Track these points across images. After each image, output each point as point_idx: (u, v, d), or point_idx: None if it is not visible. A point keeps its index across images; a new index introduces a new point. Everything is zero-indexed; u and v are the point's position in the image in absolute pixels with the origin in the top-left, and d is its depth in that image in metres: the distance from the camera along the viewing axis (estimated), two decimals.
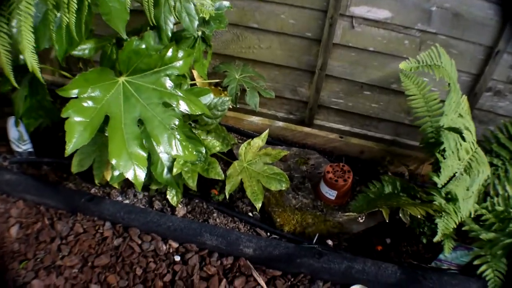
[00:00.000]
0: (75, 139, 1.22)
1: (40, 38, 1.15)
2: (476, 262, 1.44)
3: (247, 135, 2.20)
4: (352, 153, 2.14)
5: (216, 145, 1.67)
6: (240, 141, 2.16)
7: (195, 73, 1.83)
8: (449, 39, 1.76)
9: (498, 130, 1.69)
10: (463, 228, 1.47)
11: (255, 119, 2.18)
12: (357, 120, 2.10)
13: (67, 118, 1.20)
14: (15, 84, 1.18)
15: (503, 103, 1.89)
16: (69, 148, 1.21)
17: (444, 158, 1.43)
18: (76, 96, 1.26)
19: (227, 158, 1.87)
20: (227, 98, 1.69)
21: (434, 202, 1.42)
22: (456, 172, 1.41)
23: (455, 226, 1.41)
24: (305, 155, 2.03)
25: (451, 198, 1.44)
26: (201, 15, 1.41)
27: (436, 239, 1.37)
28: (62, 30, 1.12)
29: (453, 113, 1.41)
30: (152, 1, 1.18)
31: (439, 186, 1.44)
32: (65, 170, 1.90)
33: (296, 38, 1.89)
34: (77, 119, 1.24)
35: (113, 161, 1.25)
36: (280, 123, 2.18)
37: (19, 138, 1.86)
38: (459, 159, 1.38)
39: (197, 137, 1.58)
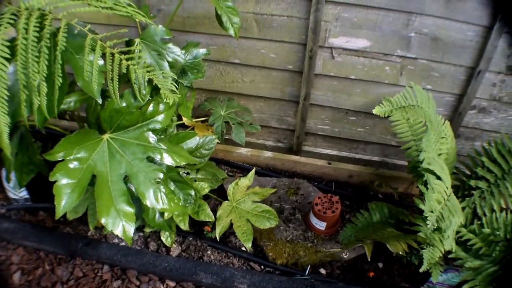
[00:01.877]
0: (64, 201, 1.29)
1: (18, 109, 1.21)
2: (464, 287, 1.48)
3: (237, 166, 2.26)
4: (341, 178, 2.19)
5: (205, 187, 1.72)
6: (231, 173, 2.22)
7: None
8: (430, 62, 1.80)
9: (482, 152, 1.72)
10: (449, 256, 1.51)
11: (243, 150, 2.23)
12: (344, 144, 2.14)
13: None
14: (8, 153, 1.23)
15: (488, 119, 1.93)
16: (59, 211, 1.28)
17: (427, 189, 1.47)
18: (62, 159, 1.32)
19: (217, 195, 1.92)
20: (214, 137, 1.74)
21: (419, 234, 1.46)
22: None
23: (441, 255, 1.45)
24: (295, 185, 2.08)
25: (437, 227, 1.48)
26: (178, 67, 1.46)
27: (422, 269, 1.41)
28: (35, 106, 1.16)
29: (432, 151, 1.45)
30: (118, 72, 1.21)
31: (424, 214, 1.48)
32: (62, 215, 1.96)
33: (278, 71, 1.93)
34: (64, 181, 1.30)
35: (102, 220, 1.31)
36: (269, 153, 2.23)
37: (15, 186, 1.93)
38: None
39: (185, 180, 1.63)
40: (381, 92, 1.90)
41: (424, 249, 1.45)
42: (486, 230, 1.55)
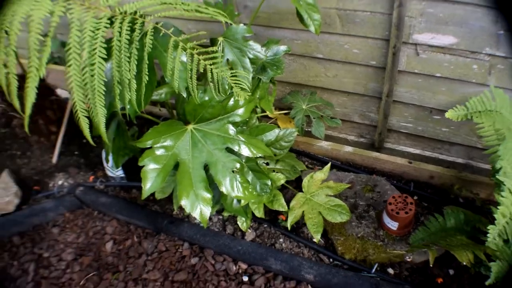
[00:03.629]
0: (149, 184, 1.58)
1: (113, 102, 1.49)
2: None
3: (317, 159, 2.44)
4: (421, 178, 2.26)
5: (280, 178, 1.92)
6: (310, 165, 2.39)
7: None
8: None
9: None
10: None
11: (324, 144, 2.39)
12: (427, 143, 2.20)
13: None
14: (105, 139, 1.52)
15: None
16: (145, 193, 1.57)
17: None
18: (150, 146, 1.59)
19: (295, 187, 2.11)
20: (294, 130, 1.92)
21: (488, 245, 1.52)
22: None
23: None
24: (372, 182, 2.20)
25: (508, 240, 1.52)
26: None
27: (488, 282, 1.48)
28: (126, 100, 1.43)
29: (508, 161, 1.49)
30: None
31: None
32: (151, 193, 2.29)
33: (361, 66, 2.05)
34: (151, 166, 1.58)
35: (182, 202, 1.57)
36: (349, 148, 2.37)
37: (112, 166, 2.29)
38: None
39: (263, 170, 1.84)
40: (467, 91, 1.93)
41: (493, 261, 1.50)
42: None
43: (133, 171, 2.36)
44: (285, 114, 2.19)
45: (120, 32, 1.34)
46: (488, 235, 1.34)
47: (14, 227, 2.29)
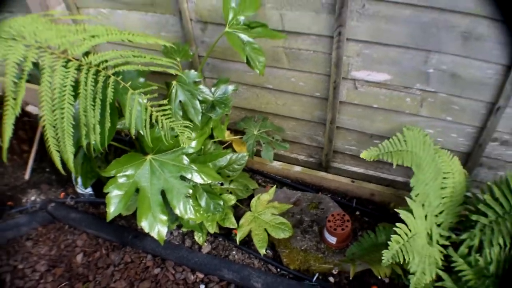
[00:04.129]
0: (113, 208, 1.86)
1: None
2: None
3: (270, 177, 2.76)
4: (363, 195, 2.58)
5: (231, 198, 2.22)
6: (264, 183, 2.70)
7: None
8: (449, 96, 2.08)
9: (484, 190, 2.00)
10: (435, 284, 1.85)
11: (276, 164, 2.70)
12: (370, 163, 2.51)
13: None
14: (72, 170, 1.79)
15: (510, 152, 2.18)
16: (109, 216, 1.85)
17: None
18: (113, 175, 1.87)
19: (247, 204, 2.40)
20: (245, 154, 2.21)
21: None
22: None
23: (430, 280, 1.80)
24: (317, 200, 2.51)
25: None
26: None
27: None
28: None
29: (424, 188, 1.81)
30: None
31: None
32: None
33: (307, 97, 2.35)
34: (115, 193, 1.87)
35: (142, 223, 1.86)
36: (298, 168, 2.68)
37: (82, 185, 2.56)
38: None
39: (215, 192, 2.13)
40: (402, 120, 2.24)
41: (412, 274, 1.81)
42: (481, 264, 1.86)
43: (101, 189, 2.62)
44: (239, 138, 2.48)
45: (86, 82, 1.61)
46: (382, 258, 1.63)
47: None
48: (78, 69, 1.63)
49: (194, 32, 2.32)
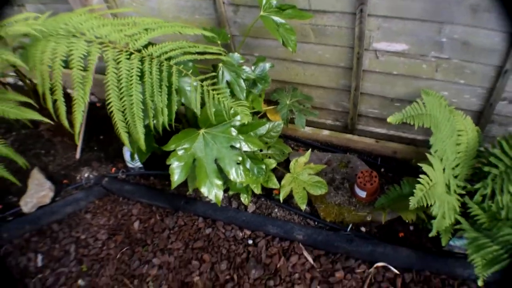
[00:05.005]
0: (176, 177, 2.28)
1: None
2: (468, 251, 2.22)
3: (301, 141, 3.21)
4: (387, 154, 3.01)
5: (272, 162, 2.65)
6: (296, 147, 3.14)
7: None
8: (462, 62, 2.45)
9: (495, 145, 2.40)
10: (455, 227, 2.28)
11: (306, 129, 3.13)
12: (392, 125, 2.90)
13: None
14: (143, 147, 2.20)
15: None
16: (174, 184, 2.28)
17: None
18: (173, 149, 2.29)
19: (284, 167, 2.84)
20: (280, 122, 2.63)
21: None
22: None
23: (450, 224, 2.22)
24: (346, 159, 2.95)
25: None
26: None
27: (431, 234, 2.18)
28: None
29: (441, 145, 2.22)
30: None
31: None
32: (167, 179, 3.01)
33: (332, 67, 2.74)
34: (176, 164, 2.29)
35: (202, 189, 2.29)
36: (326, 132, 3.12)
37: (132, 159, 3.00)
38: None
39: (258, 158, 2.56)
40: (419, 85, 2.63)
41: (434, 218, 2.24)
42: (494, 209, 2.27)
43: (149, 163, 3.06)
44: (273, 107, 2.89)
45: (150, 71, 2.01)
46: (409, 203, 2.05)
47: (52, 216, 3.01)
48: (141, 60, 2.04)
49: (227, 14, 2.70)
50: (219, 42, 2.44)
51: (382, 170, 2.96)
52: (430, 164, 2.16)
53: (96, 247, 2.85)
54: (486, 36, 2.29)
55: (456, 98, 2.61)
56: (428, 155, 2.22)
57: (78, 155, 3.22)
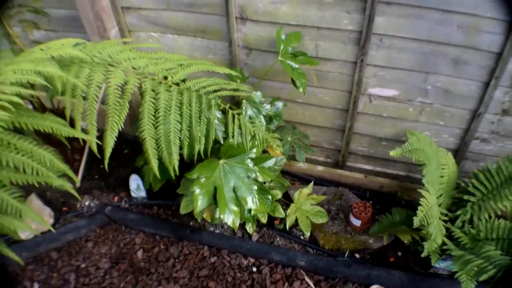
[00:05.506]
0: (199, 203, 2.52)
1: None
2: (456, 275, 2.58)
3: (297, 176, 3.54)
4: (374, 188, 3.41)
5: (278, 193, 2.95)
6: (292, 181, 3.47)
7: None
8: (442, 106, 2.90)
9: (471, 177, 2.84)
10: (443, 247, 2.67)
11: (302, 165, 3.47)
12: (378, 161, 3.33)
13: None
14: (172, 175, 2.44)
15: (489, 147, 3.01)
16: (197, 211, 2.52)
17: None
18: (196, 177, 2.55)
19: (282, 198, 3.14)
20: (283, 157, 2.94)
21: (422, 231, 2.63)
22: None
23: (437, 246, 2.60)
24: (339, 192, 3.31)
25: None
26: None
27: (423, 255, 2.55)
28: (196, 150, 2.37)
29: (432, 176, 2.62)
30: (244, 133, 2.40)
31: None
32: (170, 209, 3.24)
33: (330, 109, 3.12)
34: (198, 191, 2.53)
35: (221, 216, 2.54)
36: (320, 168, 3.48)
37: (137, 188, 3.20)
38: None
39: (266, 189, 2.85)
40: (405, 126, 3.05)
41: (425, 240, 2.61)
42: (473, 231, 2.69)
43: (153, 193, 3.27)
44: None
45: (190, 103, 2.27)
46: (414, 221, 2.41)
47: (51, 243, 3.10)
48: (180, 92, 2.29)
49: (240, 56, 3.05)
50: (238, 81, 2.76)
51: (371, 202, 3.32)
52: (426, 189, 2.54)
53: (98, 276, 2.96)
54: (464, 85, 2.75)
55: (436, 137, 3.04)
56: (424, 181, 2.59)
57: (78, 183, 3.36)
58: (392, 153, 2.57)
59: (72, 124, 2.17)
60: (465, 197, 2.76)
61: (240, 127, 2.32)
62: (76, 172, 3.36)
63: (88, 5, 3.00)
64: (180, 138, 2.27)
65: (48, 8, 3.27)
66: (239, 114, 2.36)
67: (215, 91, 2.34)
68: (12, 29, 2.92)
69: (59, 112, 2.99)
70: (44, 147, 2.13)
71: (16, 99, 1.84)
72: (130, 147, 3.80)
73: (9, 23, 2.91)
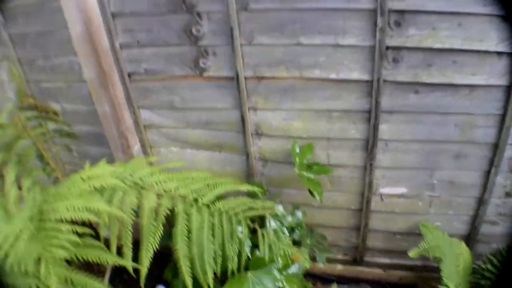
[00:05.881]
0: None
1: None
2: None
3: (318, 276, 3.70)
4: (393, 281, 3.58)
5: None
6: (313, 282, 3.63)
7: None
8: (449, 197, 3.11)
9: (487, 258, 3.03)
10: None
11: (321, 265, 3.62)
12: (394, 255, 3.52)
13: None
14: None
15: (497, 228, 3.21)
16: None
17: None
18: None
19: None
20: (305, 263, 3.13)
21: None
22: None
23: None
24: None
25: None
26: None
27: None
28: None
29: (449, 268, 2.82)
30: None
31: None
32: None
33: (344, 210, 3.36)
34: None
35: None
36: (340, 266, 3.67)
37: None
38: None
39: None
40: (418, 219, 3.27)
41: None
42: None
43: None
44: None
45: (221, 224, 2.48)
46: None
47: None
48: (211, 214, 2.50)
49: (256, 167, 3.31)
50: (259, 194, 3.00)
51: None
52: (447, 285, 2.72)
53: None
54: (467, 176, 3.00)
55: (447, 225, 3.23)
56: (443, 277, 2.77)
57: None
58: (410, 254, 2.78)
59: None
60: (482, 282, 2.93)
61: (270, 247, 2.53)
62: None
63: (113, 125, 3.27)
64: (213, 257, 2.45)
65: (73, 123, 3.39)
66: (266, 232, 2.58)
67: (243, 210, 2.57)
68: (46, 152, 3.09)
69: None
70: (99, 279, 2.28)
71: (74, 238, 2.04)
72: (153, 257, 3.89)
73: (43, 146, 3.07)
